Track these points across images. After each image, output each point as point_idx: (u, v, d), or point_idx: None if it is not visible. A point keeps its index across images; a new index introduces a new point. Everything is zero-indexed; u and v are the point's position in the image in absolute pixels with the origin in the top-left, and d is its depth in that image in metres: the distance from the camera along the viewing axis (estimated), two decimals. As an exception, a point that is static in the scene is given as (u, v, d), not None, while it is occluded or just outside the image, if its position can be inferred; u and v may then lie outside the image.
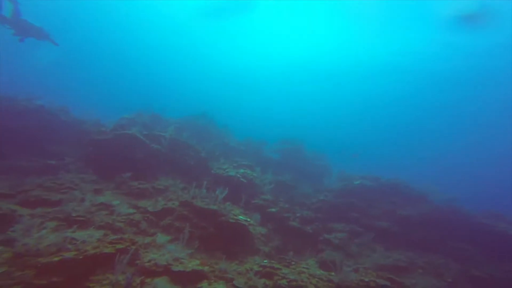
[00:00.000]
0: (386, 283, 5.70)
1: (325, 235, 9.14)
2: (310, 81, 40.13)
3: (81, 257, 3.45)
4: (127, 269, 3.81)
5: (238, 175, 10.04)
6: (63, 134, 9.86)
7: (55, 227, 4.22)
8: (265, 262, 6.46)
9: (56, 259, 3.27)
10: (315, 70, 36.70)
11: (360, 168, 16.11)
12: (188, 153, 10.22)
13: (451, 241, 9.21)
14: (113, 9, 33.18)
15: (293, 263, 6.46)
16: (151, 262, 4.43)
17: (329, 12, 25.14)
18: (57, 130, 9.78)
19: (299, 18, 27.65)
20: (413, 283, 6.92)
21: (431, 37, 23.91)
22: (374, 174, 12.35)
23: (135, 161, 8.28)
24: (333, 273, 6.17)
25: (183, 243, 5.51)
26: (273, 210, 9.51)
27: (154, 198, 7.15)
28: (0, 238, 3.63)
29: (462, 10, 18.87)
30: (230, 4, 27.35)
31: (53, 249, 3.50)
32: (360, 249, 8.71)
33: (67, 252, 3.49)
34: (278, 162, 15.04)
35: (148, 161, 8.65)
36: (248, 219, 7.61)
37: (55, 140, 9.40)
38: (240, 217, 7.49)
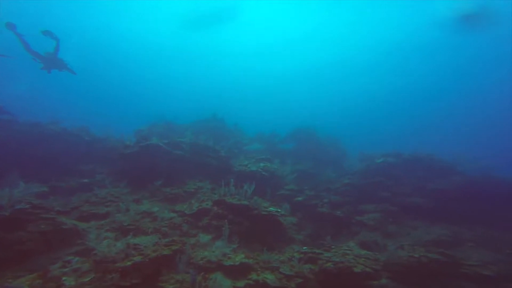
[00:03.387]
0: (438, 257, 5.52)
1: (358, 217, 9.00)
2: (312, 73, 39.80)
3: (147, 260, 3.74)
4: (187, 268, 4.09)
5: (260, 169, 10.25)
6: (88, 153, 10.30)
7: (115, 236, 4.55)
8: (305, 249, 6.63)
9: (129, 263, 3.57)
10: (316, 63, 36.33)
11: (375, 148, 15.99)
12: (208, 154, 10.49)
13: (497, 211, 8.67)
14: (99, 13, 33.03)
15: (333, 247, 6.52)
16: (204, 259, 4.71)
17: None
18: (83, 150, 10.22)
19: (292, 11, 27.31)
20: (466, 256, 6.44)
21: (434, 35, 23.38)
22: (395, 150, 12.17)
23: (162, 168, 8.61)
24: (377, 253, 6.21)
25: (225, 239, 5.78)
26: (300, 199, 9.70)
27: (188, 201, 7.46)
28: (74, 250, 3.99)
29: (461, 10, 18.83)
30: (220, 13, 27.47)
31: (122, 255, 3.81)
32: (398, 228, 8.48)
33: (134, 257, 3.79)
34: (293, 151, 15.14)
35: (174, 167, 8.97)
36: (279, 210, 7.80)
37: (82, 159, 9.85)
38: (271, 208, 7.69)
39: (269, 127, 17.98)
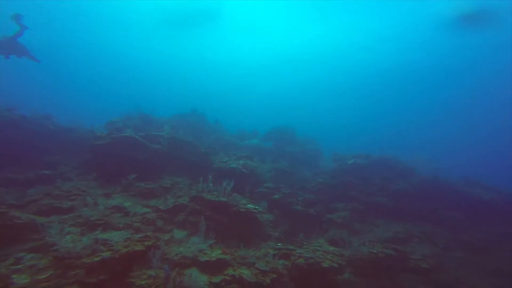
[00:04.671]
0: (392, 253, 6.33)
1: (328, 215, 9.59)
2: (292, 72, 40.55)
3: (117, 256, 3.51)
4: (160, 264, 3.92)
5: (240, 166, 10.21)
6: (53, 143, 9.41)
7: (81, 231, 4.19)
8: (280, 245, 6.79)
9: (96, 259, 3.32)
10: (297, 61, 37.07)
11: (350, 149, 16.82)
12: (188, 150, 10.19)
13: (440, 210, 9.93)
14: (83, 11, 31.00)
15: (305, 243, 6.84)
16: (179, 255, 4.56)
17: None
18: (47, 140, 9.31)
19: (278, 12, 27.60)
20: (413, 251, 7.47)
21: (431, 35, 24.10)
22: (365, 152, 12.94)
23: (137, 162, 8.17)
24: (343, 249, 6.62)
25: (202, 235, 5.66)
26: (277, 196, 9.84)
27: (163, 197, 7.17)
28: (30, 245, 3.58)
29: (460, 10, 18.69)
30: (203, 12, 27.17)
31: (89, 251, 3.53)
32: (362, 225, 9.21)
33: (102, 252, 3.53)
34: (272, 150, 15.34)
35: (150, 162, 8.56)
36: (257, 207, 7.85)
37: (45, 149, 8.96)
38: (249, 205, 7.72)
39: (249, 125, 18.04)
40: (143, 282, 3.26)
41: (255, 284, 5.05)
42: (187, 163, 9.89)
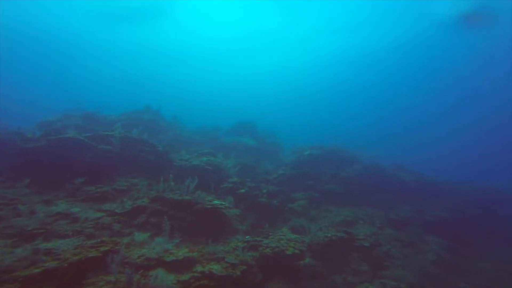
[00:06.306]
0: (343, 235, 7.16)
1: (290, 205, 10.16)
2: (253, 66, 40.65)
3: (65, 265, 3.03)
4: (120, 268, 3.55)
5: (203, 163, 9.94)
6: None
7: (12, 243, 3.47)
8: (248, 238, 6.87)
9: (37, 270, 2.79)
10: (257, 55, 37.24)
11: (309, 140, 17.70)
12: (144, 149, 9.41)
13: (378, 193, 11.43)
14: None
15: (270, 234, 7.10)
16: (142, 257, 4.20)
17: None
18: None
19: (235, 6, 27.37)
20: (358, 232, 8.55)
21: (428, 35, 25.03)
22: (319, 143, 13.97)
23: (84, 165, 7.19)
24: (303, 236, 7.14)
25: (166, 235, 5.33)
26: (243, 191, 9.88)
27: (119, 200, 6.49)
28: None
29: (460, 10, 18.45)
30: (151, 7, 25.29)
31: (26, 263, 2.94)
32: (318, 212, 10.11)
33: (45, 263, 2.99)
34: (235, 145, 15.31)
35: (100, 164, 7.63)
36: (223, 203, 7.76)
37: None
38: (215, 201, 7.59)
39: (211, 121, 17.61)
40: (101, 289, 2.90)
41: (225, 277, 5.01)
42: (144, 163, 9.14)
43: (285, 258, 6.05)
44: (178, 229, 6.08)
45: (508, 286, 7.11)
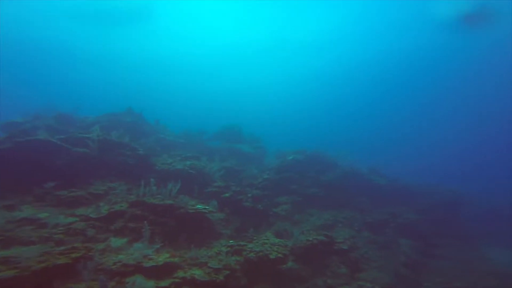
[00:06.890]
0: (323, 238, 7.28)
1: (274, 209, 10.19)
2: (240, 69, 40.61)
3: (27, 273, 2.76)
4: (94, 275, 3.30)
5: (186, 167, 9.70)
6: None
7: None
8: (232, 242, 6.74)
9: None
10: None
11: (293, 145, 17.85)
12: (123, 152, 9.01)
13: (355, 196, 11.77)
14: None
15: (254, 238, 7.06)
16: (118, 264, 3.95)
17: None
18: None
19: (221, 9, 27.57)
20: (337, 235, 8.77)
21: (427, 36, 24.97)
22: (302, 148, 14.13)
23: (56, 168, 6.73)
24: (287, 240, 7.21)
25: (146, 240, 5.07)
26: (227, 195, 9.72)
27: (94, 204, 6.11)
28: None
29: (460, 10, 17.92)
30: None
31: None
32: (301, 216, 10.22)
33: (0, 272, 2.69)
34: (220, 149, 15.14)
35: (74, 167, 7.17)
36: (207, 207, 7.58)
37: None
38: (198, 206, 7.41)
39: (196, 125, 17.29)
40: (71, 298, 2.66)
41: (208, 283, 4.85)
42: (123, 167, 8.73)
43: (269, 262, 6.00)
44: (159, 234, 5.83)
45: (463, 282, 7.49)
